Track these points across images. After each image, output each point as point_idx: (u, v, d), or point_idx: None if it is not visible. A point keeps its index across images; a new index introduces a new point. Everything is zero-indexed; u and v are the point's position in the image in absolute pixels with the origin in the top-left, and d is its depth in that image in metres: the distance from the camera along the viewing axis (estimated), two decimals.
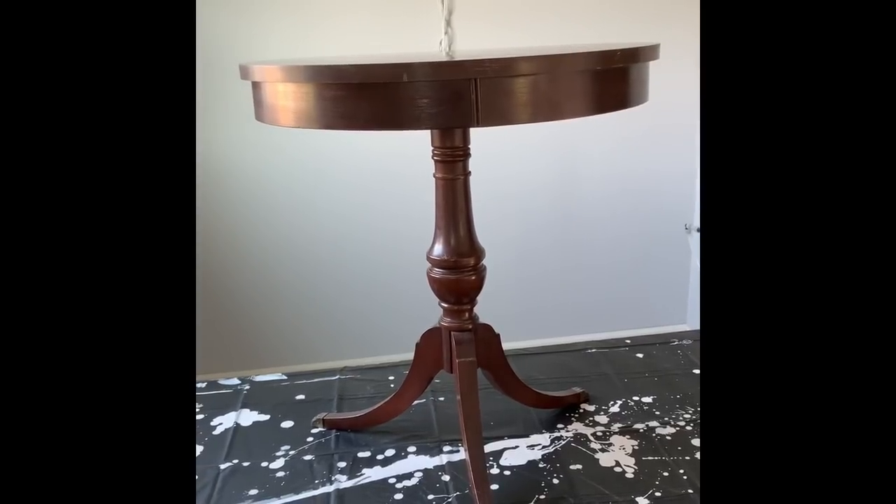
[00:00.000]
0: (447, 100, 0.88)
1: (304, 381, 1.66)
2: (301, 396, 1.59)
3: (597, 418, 1.45)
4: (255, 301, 2.25)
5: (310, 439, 1.42)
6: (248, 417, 1.51)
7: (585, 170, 2.28)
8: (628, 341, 1.80)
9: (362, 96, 0.90)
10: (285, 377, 1.69)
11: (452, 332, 1.26)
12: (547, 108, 0.93)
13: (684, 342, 1.78)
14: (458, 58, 0.91)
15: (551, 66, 0.91)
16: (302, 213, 2.19)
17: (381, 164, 2.16)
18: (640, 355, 1.72)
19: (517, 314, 2.32)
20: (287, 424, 1.48)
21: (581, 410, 1.49)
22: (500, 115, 0.90)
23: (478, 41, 2.07)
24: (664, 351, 1.74)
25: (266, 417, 1.51)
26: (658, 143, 2.28)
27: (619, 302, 2.41)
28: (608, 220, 2.33)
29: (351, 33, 2.04)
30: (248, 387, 1.65)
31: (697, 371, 1.63)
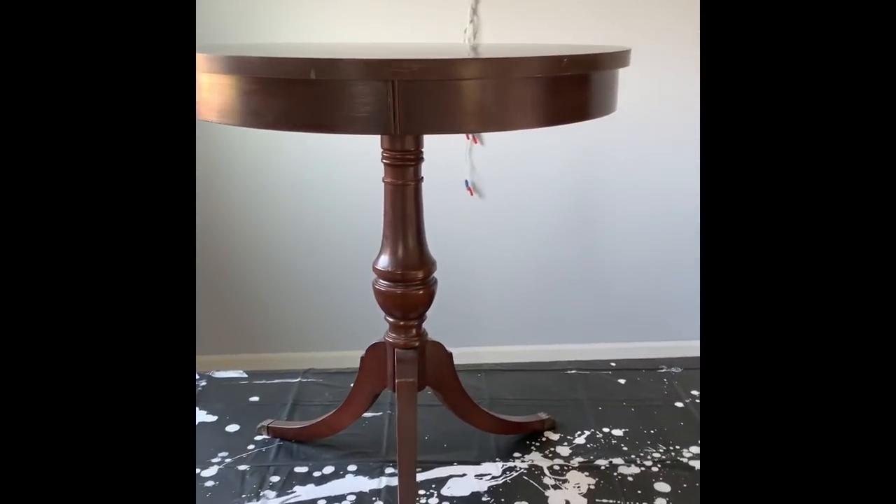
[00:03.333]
0: (363, 103, 0.79)
1: (264, 382, 1.59)
2: (255, 398, 1.52)
3: (558, 449, 1.35)
4: (229, 286, 2.19)
5: (251, 447, 1.34)
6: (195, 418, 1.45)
7: (605, 172, 2.15)
8: (613, 364, 1.68)
9: (272, 92, 0.81)
10: (245, 375, 1.62)
11: (396, 350, 1.17)
12: (481, 118, 0.82)
13: (672, 370, 1.65)
14: (387, 56, 0.81)
15: (486, 72, 0.80)
16: (275, 199, 2.11)
17: (360, 149, 2.06)
18: (623, 381, 1.60)
19: (525, 321, 2.21)
20: (232, 428, 1.41)
21: (544, 439, 1.38)
22: (423, 124, 0.80)
23: (506, 32, 1.96)
24: (649, 378, 1.62)
25: (213, 419, 1.44)
26: (669, 149, 2.14)
27: (633, 312, 2.28)
28: (625, 224, 2.19)
29: (372, 21, 1.95)
30: (204, 383, 1.59)
31: (680, 404, 1.51)
